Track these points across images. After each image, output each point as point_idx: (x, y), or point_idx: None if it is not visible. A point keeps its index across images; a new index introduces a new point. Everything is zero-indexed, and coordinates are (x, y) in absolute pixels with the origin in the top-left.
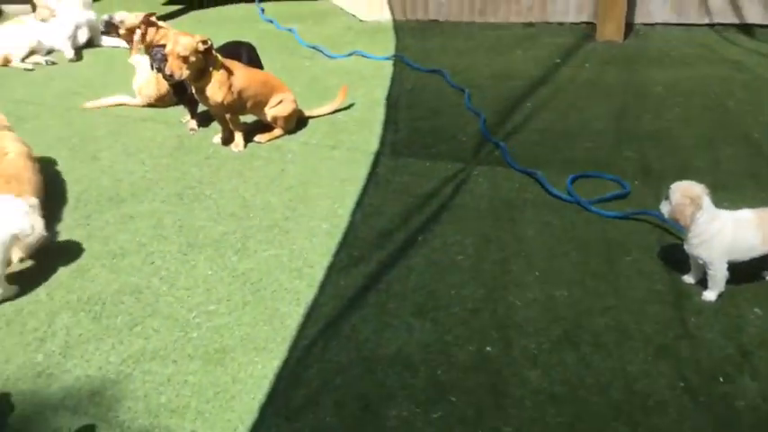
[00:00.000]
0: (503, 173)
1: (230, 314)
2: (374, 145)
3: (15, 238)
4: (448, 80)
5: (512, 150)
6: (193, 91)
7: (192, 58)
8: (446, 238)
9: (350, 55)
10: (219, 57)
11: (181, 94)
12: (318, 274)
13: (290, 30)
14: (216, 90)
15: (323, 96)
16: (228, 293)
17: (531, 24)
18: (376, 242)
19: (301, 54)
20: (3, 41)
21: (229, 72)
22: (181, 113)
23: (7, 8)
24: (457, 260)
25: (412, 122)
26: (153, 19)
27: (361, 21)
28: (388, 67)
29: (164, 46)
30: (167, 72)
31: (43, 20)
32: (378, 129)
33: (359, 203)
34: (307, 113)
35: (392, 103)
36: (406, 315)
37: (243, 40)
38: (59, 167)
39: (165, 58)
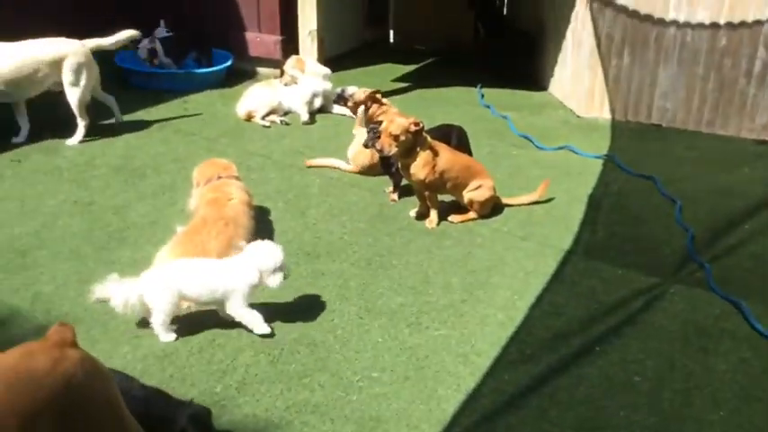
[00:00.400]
0: (703, 296)
1: (391, 385)
2: (567, 243)
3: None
4: (659, 188)
5: (717, 274)
6: (399, 166)
7: (402, 138)
8: (626, 353)
9: (560, 149)
10: (428, 138)
11: (388, 166)
12: (484, 363)
13: (504, 117)
14: (419, 168)
15: (524, 186)
16: (393, 364)
17: (763, 142)
18: (550, 343)
19: (511, 142)
20: (250, 99)
21: (435, 153)
22: (385, 184)
23: (261, 70)
24: (634, 380)
25: (612, 226)
26: (377, 96)
27: (578, 116)
28: (597, 167)
29: (380, 123)
30: (378, 147)
31: (287, 84)
32: (574, 227)
33: (539, 300)
34: (504, 201)
35: (594, 203)
36: (567, 427)
37: (455, 123)
38: (272, 217)
39: (378, 135)
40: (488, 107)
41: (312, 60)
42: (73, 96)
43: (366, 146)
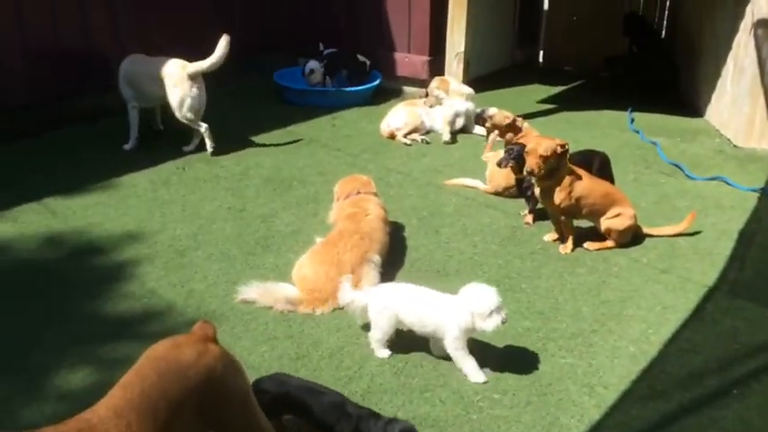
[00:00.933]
0: None
1: (511, 408)
2: (711, 279)
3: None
4: None
5: None
6: (535, 189)
7: (551, 159)
8: (766, 399)
9: (712, 179)
10: (569, 163)
11: (523, 189)
12: (611, 396)
13: (653, 143)
14: (557, 192)
15: (669, 217)
16: (516, 388)
17: None
18: (683, 381)
19: (659, 169)
20: (394, 118)
21: (574, 178)
22: (521, 206)
23: (408, 89)
24: None
25: (762, 264)
26: (518, 124)
27: (735, 146)
28: (752, 201)
29: (521, 144)
30: (528, 168)
31: (431, 106)
32: (720, 263)
33: (675, 336)
34: (646, 230)
35: (745, 239)
36: None
37: (599, 149)
38: (406, 233)
39: (520, 155)
40: (638, 132)
41: (456, 81)
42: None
43: (500, 165)
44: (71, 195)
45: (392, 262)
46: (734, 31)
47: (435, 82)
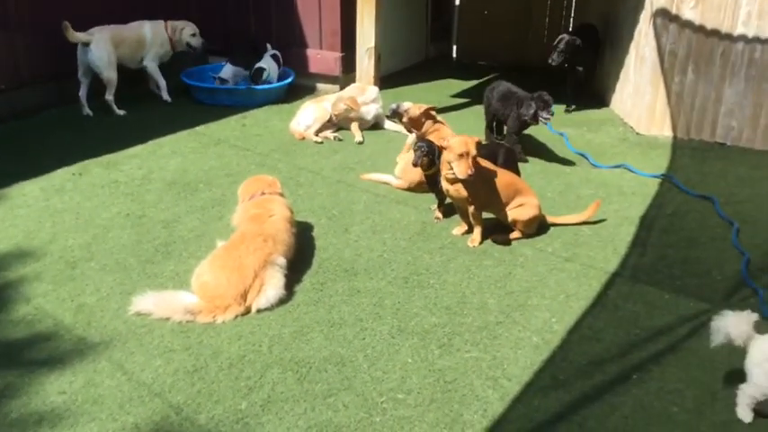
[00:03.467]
0: None
1: (415, 407)
2: (613, 265)
3: None
4: (717, 209)
5: None
6: (443, 183)
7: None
8: (665, 383)
9: (615, 167)
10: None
11: (433, 184)
12: (514, 388)
13: (561, 134)
14: (462, 186)
15: (573, 206)
16: (420, 386)
17: None
18: (585, 369)
19: (565, 160)
20: (303, 115)
21: (480, 171)
22: (431, 201)
23: (321, 86)
24: (671, 411)
25: (662, 248)
26: (431, 112)
27: (638, 134)
28: (653, 186)
29: (429, 141)
30: (469, 172)
31: (337, 116)
32: (622, 249)
33: (578, 324)
34: (550, 220)
35: (646, 224)
36: None
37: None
38: (314, 233)
39: (431, 151)
40: (546, 124)
41: (359, 90)
42: None
43: (415, 165)
44: None
45: (300, 263)
46: (635, 21)
47: (343, 104)
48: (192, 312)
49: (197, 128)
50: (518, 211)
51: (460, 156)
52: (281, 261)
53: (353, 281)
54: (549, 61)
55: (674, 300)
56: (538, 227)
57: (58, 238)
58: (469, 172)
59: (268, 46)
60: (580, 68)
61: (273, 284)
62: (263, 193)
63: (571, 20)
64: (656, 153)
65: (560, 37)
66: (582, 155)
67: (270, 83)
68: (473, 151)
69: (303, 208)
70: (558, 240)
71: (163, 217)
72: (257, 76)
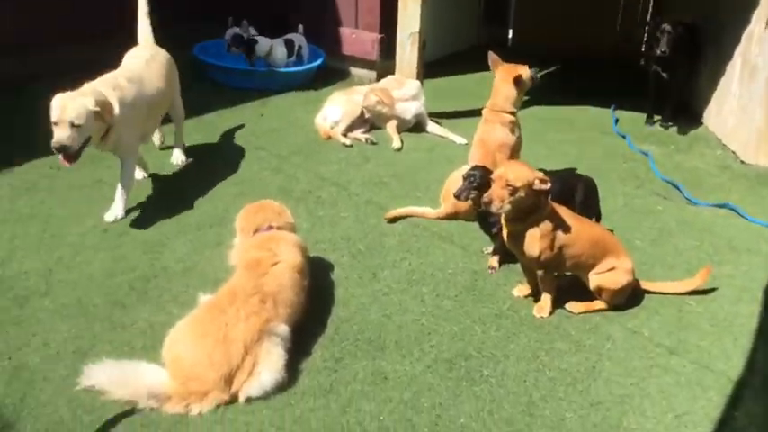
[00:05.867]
0: None
1: None
2: (736, 366)
3: None
4: None
5: None
6: (504, 233)
7: (522, 194)
8: None
9: (718, 206)
10: (551, 202)
11: (487, 224)
12: None
13: (644, 153)
14: (534, 240)
15: (672, 262)
16: None
17: None
18: None
19: (653, 189)
20: (331, 109)
21: (557, 222)
22: (484, 241)
23: (355, 71)
24: None
25: None
26: None
27: (742, 162)
28: None
29: (485, 169)
30: (485, 199)
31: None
32: (745, 340)
33: None
34: (644, 285)
35: None
36: None
37: (579, 157)
38: (334, 277)
39: (476, 184)
40: (624, 137)
41: (397, 83)
42: None
43: (458, 197)
44: None
45: (310, 322)
46: (745, 21)
47: (374, 96)
48: (158, 398)
49: (205, 116)
50: (606, 278)
51: (497, 179)
52: (283, 330)
53: (380, 359)
54: (659, 52)
55: None
56: (629, 296)
57: (13, 257)
58: (495, 203)
59: (300, 27)
60: (664, 74)
61: (270, 365)
62: (269, 227)
63: (648, 13)
64: None
65: (654, 22)
66: (673, 184)
67: (270, 65)
68: (515, 181)
69: (322, 237)
70: (657, 319)
71: (146, 237)
72: (250, 50)
